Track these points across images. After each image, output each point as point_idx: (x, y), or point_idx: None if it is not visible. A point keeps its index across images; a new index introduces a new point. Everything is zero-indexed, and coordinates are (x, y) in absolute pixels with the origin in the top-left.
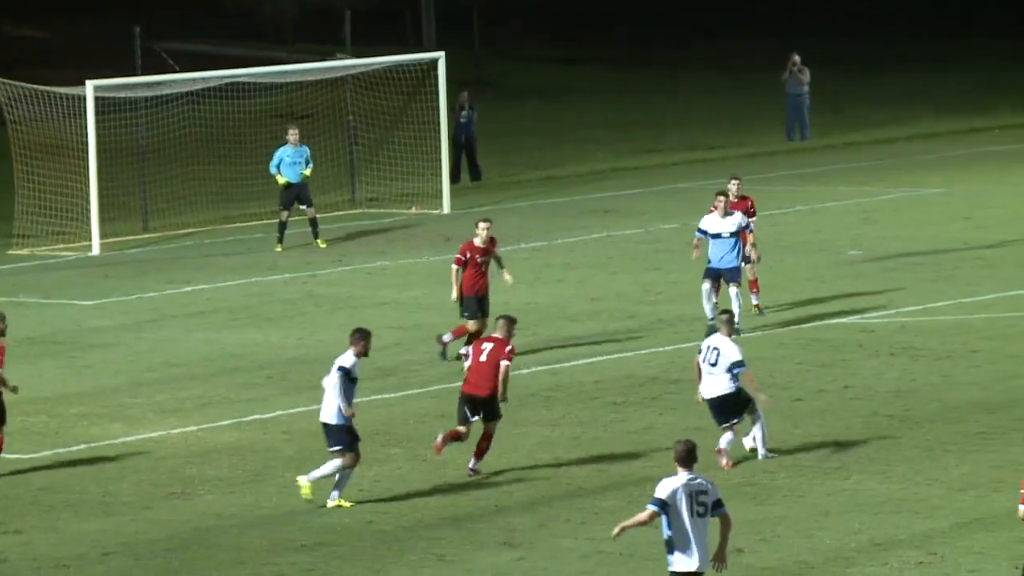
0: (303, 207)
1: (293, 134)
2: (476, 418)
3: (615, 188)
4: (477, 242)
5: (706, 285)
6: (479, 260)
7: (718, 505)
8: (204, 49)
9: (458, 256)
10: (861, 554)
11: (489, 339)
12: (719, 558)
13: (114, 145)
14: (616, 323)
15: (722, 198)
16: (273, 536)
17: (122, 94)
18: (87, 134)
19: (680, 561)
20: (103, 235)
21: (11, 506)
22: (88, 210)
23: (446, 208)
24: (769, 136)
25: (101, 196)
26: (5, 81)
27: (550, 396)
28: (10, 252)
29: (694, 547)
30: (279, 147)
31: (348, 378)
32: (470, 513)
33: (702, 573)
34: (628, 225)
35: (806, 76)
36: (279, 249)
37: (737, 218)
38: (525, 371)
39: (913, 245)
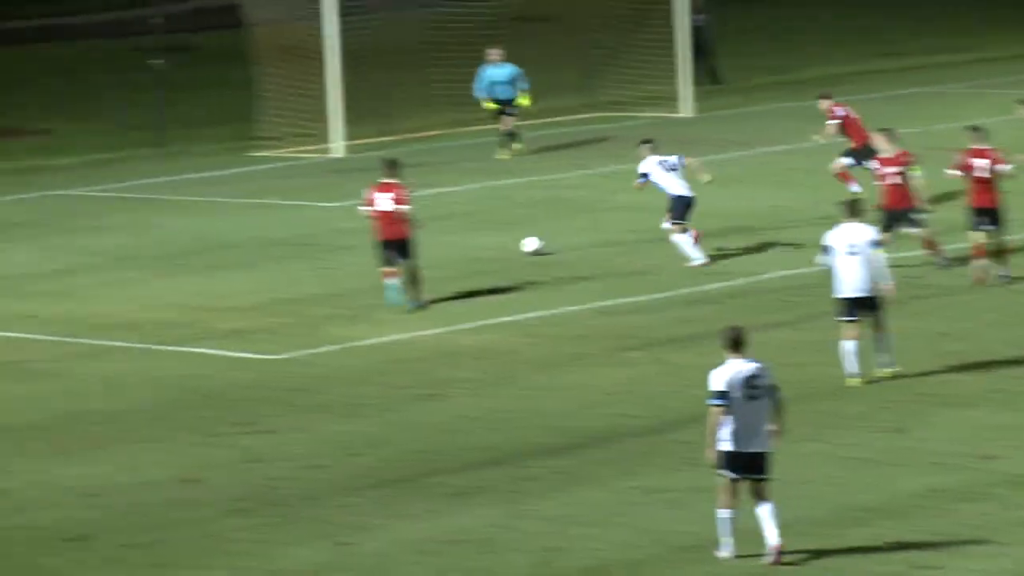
0: (504, 115)
1: (496, 53)
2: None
3: (855, 92)
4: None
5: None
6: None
7: (773, 389)
8: None
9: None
10: None
11: (891, 160)
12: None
13: (355, 47)
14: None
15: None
16: (523, 439)
17: None
18: (329, 36)
19: (733, 443)
20: (346, 137)
21: (261, 407)
22: (329, 112)
23: (688, 111)
24: None
25: (346, 99)
26: None
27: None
28: (251, 154)
29: (749, 430)
30: (483, 65)
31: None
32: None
33: (763, 454)
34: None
35: None
36: (506, 156)
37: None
38: (768, 275)
39: None
